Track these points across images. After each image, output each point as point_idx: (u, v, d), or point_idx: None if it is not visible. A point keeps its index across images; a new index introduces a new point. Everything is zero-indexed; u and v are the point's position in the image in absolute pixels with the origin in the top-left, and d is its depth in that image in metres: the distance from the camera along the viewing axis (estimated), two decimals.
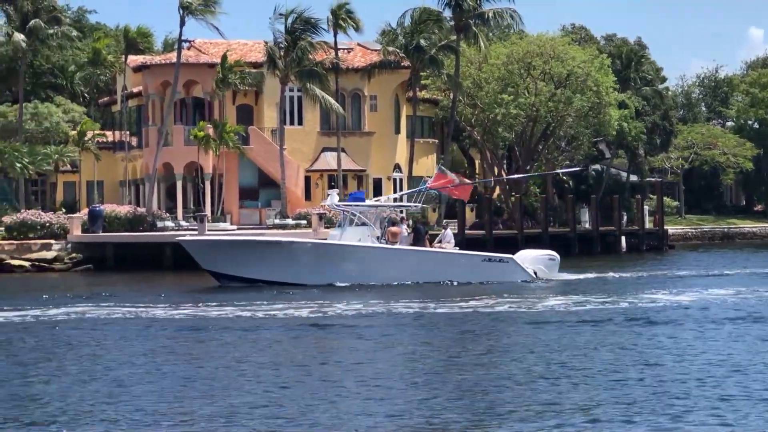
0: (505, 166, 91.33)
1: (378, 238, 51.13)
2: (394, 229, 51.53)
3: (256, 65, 77.39)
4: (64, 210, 75.33)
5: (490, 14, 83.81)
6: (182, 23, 73.98)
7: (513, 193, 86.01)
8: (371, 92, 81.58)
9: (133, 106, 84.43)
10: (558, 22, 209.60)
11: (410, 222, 56.06)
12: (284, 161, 74.30)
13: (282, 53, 74.56)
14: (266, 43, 75.56)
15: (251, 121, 79.33)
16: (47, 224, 67.78)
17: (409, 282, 49.49)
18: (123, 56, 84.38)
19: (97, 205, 72.20)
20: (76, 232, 67.31)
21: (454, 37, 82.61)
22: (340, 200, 53.84)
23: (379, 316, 37.07)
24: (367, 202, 54.23)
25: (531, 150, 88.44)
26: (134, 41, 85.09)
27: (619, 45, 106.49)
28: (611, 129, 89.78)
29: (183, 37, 76.47)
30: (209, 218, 70.90)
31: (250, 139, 77.83)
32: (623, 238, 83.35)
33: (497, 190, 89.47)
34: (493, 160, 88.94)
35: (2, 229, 68.16)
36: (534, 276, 51.48)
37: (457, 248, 53.90)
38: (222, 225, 71.55)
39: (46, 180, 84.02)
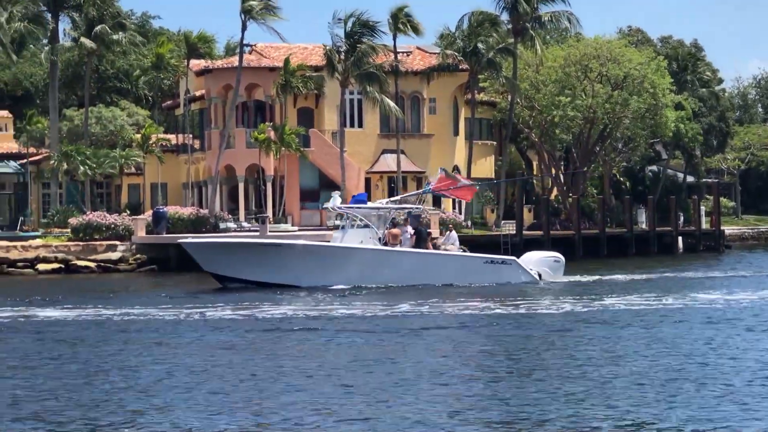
0: (562, 167, 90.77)
1: (380, 239, 50.58)
2: (394, 230, 50.94)
3: (316, 69, 77.35)
4: (128, 212, 75.72)
5: (547, 17, 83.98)
6: (244, 27, 74.27)
7: (570, 194, 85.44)
8: (430, 95, 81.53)
9: (195, 109, 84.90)
10: (614, 25, 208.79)
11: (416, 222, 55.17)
12: (344, 163, 74.23)
13: (342, 57, 74.46)
14: (326, 46, 75.44)
15: (312, 124, 79.42)
16: (112, 226, 68.25)
17: (408, 284, 48.43)
18: (186, 60, 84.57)
19: (161, 206, 72.56)
20: (141, 234, 67.58)
21: (511, 40, 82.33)
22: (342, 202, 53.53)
23: (440, 316, 36.55)
24: (369, 204, 53.47)
25: (588, 151, 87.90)
26: (195, 46, 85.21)
27: (676, 47, 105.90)
28: (668, 130, 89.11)
29: (245, 41, 76.79)
30: (271, 219, 71.19)
31: (311, 141, 77.87)
32: (680, 239, 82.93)
33: (555, 192, 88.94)
34: (550, 162, 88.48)
35: (69, 230, 68.73)
36: (538, 278, 50.82)
37: (464, 249, 52.92)
38: (283, 226, 71.78)
39: (111, 182, 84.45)
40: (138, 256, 66.17)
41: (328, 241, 52.81)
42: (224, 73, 78.80)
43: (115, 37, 79.73)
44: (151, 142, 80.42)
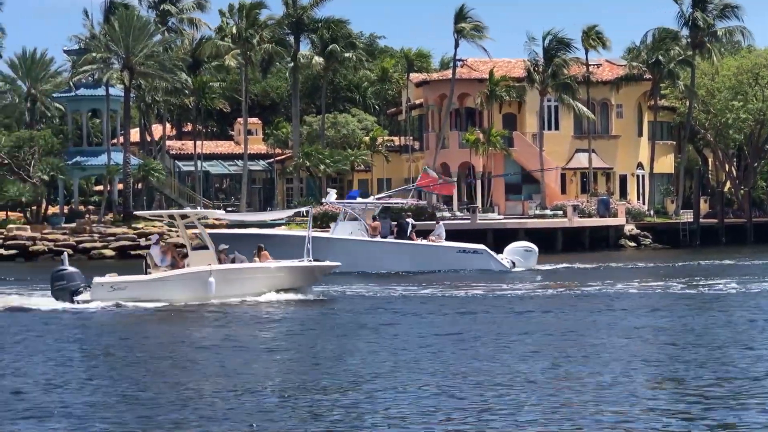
0: (735, 164, 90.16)
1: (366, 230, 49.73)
2: (374, 223, 50.09)
3: (518, 80, 78.35)
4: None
5: (722, 32, 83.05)
6: (456, 45, 76.34)
7: (742, 187, 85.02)
8: (617, 101, 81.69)
9: (415, 115, 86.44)
10: None
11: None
12: (543, 161, 75.37)
13: (540, 69, 75.84)
14: (526, 61, 76.90)
15: (515, 127, 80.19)
16: None
17: (384, 271, 47.40)
18: (407, 74, 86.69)
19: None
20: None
21: (690, 53, 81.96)
22: (336, 198, 53.44)
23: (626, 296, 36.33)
24: (359, 199, 52.49)
25: (758, 149, 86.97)
26: (415, 62, 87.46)
27: None
28: None
29: (457, 57, 78.46)
30: (480, 210, 72.58)
31: (514, 142, 78.78)
32: None
33: (728, 184, 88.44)
34: (724, 159, 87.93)
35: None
36: (511, 266, 48.73)
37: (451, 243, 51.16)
38: (491, 215, 72.94)
39: (343, 178, 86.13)
40: None
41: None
42: (440, 85, 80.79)
43: (346, 55, 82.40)
44: (377, 143, 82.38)
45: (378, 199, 54.80)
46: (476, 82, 78.66)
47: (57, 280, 33.91)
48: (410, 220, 52.19)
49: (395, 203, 55.70)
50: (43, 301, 33.93)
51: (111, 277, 34.04)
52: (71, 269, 34.14)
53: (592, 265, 52.67)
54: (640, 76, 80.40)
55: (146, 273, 34.67)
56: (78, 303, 33.09)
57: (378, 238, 49.70)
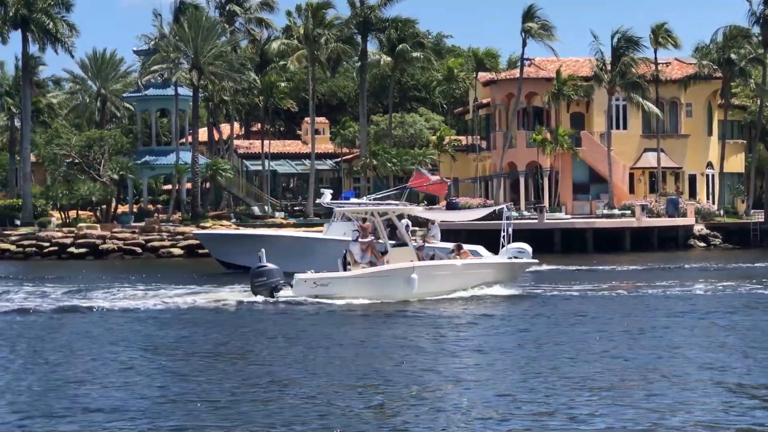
0: None
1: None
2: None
3: (586, 79, 78.10)
4: (425, 202, 77.57)
5: None
6: (524, 44, 76.06)
7: None
8: (687, 100, 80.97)
9: (482, 114, 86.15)
10: None
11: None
12: (611, 160, 74.91)
13: (608, 68, 75.44)
14: (593, 60, 76.52)
15: (582, 126, 79.83)
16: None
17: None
18: (474, 73, 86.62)
19: (454, 198, 74.47)
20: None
21: (761, 51, 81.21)
22: (332, 199, 52.56)
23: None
24: (353, 200, 51.90)
25: None
26: (483, 61, 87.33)
27: None
28: None
29: (525, 56, 78.24)
30: (547, 209, 72.28)
31: (582, 141, 78.41)
32: None
33: None
34: None
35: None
36: None
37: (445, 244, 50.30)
38: (558, 215, 72.62)
39: (410, 177, 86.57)
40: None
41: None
42: (507, 84, 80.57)
43: (414, 54, 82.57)
44: (444, 142, 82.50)
45: (375, 200, 54.62)
46: (544, 81, 78.47)
47: (257, 277, 34.29)
48: (406, 221, 52.09)
49: (389, 204, 55.44)
50: (245, 297, 34.36)
51: (313, 274, 34.40)
52: (270, 266, 34.50)
53: (660, 264, 52.32)
54: (710, 74, 79.58)
55: (345, 270, 34.93)
56: (279, 299, 33.52)
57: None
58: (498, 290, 35.80)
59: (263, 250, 35.61)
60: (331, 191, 55.65)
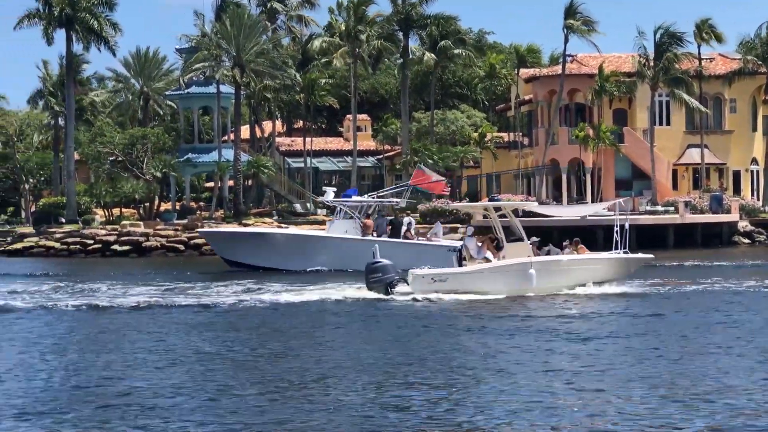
0: None
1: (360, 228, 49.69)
2: (367, 221, 50.02)
3: (628, 75, 77.82)
4: (468, 199, 77.52)
5: None
6: (566, 40, 75.96)
7: None
8: (731, 96, 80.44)
9: (524, 111, 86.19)
10: None
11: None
12: (654, 156, 74.62)
13: (651, 64, 75.08)
14: (635, 55, 76.21)
15: (625, 123, 79.66)
16: (454, 211, 69.68)
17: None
18: (516, 70, 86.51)
19: (496, 194, 74.23)
20: (478, 218, 69.58)
21: None
22: (335, 197, 53.15)
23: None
24: (354, 198, 52.48)
25: None
26: (524, 57, 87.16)
27: None
28: None
29: (567, 52, 78.02)
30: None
31: (624, 137, 78.27)
32: None
33: None
34: None
35: (417, 215, 71.42)
36: None
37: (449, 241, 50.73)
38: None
39: (453, 174, 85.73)
40: None
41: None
42: (549, 80, 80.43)
43: (456, 51, 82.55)
44: (486, 139, 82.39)
45: (378, 197, 54.67)
46: (586, 78, 78.31)
47: (372, 273, 34.46)
48: (409, 219, 52.31)
49: (390, 202, 55.53)
50: (361, 294, 34.52)
51: (430, 269, 34.54)
52: (385, 261, 34.69)
53: (703, 262, 51.91)
54: (755, 70, 79.04)
55: (461, 265, 35.04)
56: (395, 295, 33.71)
57: (369, 237, 49.78)
58: (614, 287, 35.69)
59: (377, 246, 35.74)
60: (335, 189, 56.11)
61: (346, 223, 50.56)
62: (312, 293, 35.27)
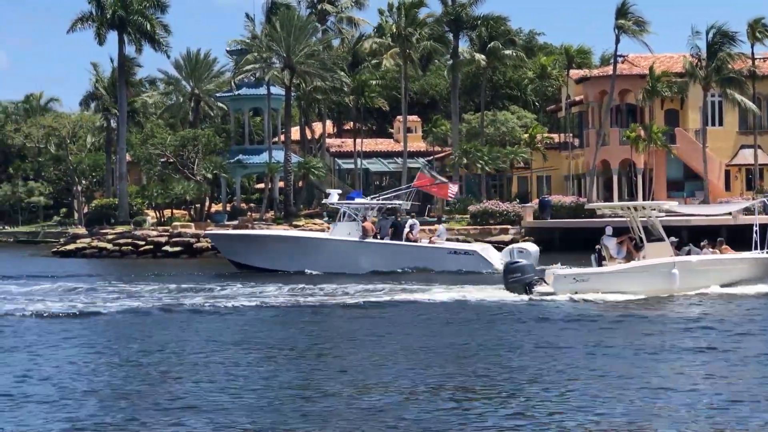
0: None
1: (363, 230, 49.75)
2: (366, 224, 50.02)
3: (680, 75, 77.12)
4: (518, 200, 77.27)
5: None
6: (617, 41, 75.14)
7: None
8: None
9: (575, 112, 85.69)
10: None
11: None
12: (706, 157, 74.04)
13: (703, 64, 74.48)
14: (687, 56, 75.60)
15: (677, 123, 78.99)
16: (504, 212, 69.72)
17: (376, 270, 47.40)
18: (566, 70, 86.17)
19: (546, 196, 74.09)
20: (528, 219, 69.12)
21: None
22: (339, 199, 52.91)
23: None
24: (357, 200, 52.49)
25: None
26: (575, 57, 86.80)
27: None
28: None
29: (618, 53, 77.54)
30: None
31: (676, 138, 77.63)
32: None
33: None
34: None
35: (468, 216, 71.40)
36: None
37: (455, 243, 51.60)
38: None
39: (503, 175, 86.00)
40: (527, 238, 65.66)
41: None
42: (600, 81, 79.88)
43: (506, 52, 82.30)
44: (536, 140, 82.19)
45: (384, 199, 54.60)
46: (637, 78, 77.76)
47: (511, 273, 34.61)
48: (413, 221, 52.33)
49: (394, 204, 55.52)
50: (501, 294, 34.51)
51: (572, 269, 34.74)
52: (524, 262, 35.03)
53: None
54: None
55: (600, 265, 35.13)
56: (534, 295, 33.85)
57: (370, 239, 49.96)
58: (760, 287, 35.32)
59: (513, 247, 35.85)
60: (339, 191, 56.15)
61: (349, 225, 50.77)
62: (449, 293, 35.29)
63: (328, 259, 49.34)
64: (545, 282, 34.35)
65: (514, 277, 34.28)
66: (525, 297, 33.64)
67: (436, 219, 74.42)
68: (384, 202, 53.52)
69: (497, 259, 48.33)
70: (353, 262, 48.46)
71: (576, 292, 33.55)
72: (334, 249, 49.84)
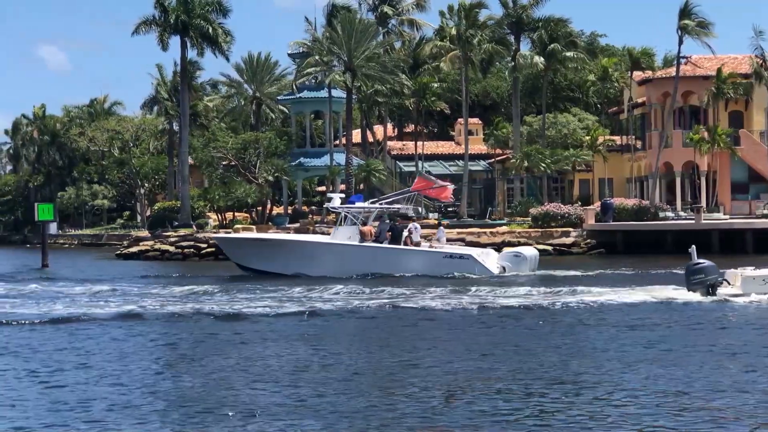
0: None
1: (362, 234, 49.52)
2: (364, 228, 49.72)
3: (745, 76, 76.61)
4: (580, 203, 76.83)
5: None
6: (680, 42, 74.61)
7: None
8: None
9: (637, 114, 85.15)
10: None
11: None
12: None
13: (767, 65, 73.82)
14: (753, 56, 74.95)
15: (741, 125, 78.28)
16: (566, 215, 69.12)
17: (373, 274, 46.81)
18: (629, 72, 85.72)
19: (608, 198, 73.64)
20: (590, 222, 68.56)
21: None
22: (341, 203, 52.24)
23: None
24: (358, 204, 52.00)
25: None
26: (638, 59, 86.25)
27: None
28: None
29: (681, 54, 76.98)
30: (704, 209, 70.97)
31: (741, 140, 76.90)
32: None
33: None
34: None
35: (529, 219, 70.99)
36: (501, 271, 47.56)
37: (456, 246, 51.11)
38: (715, 215, 71.07)
39: (564, 177, 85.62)
40: (588, 240, 66.56)
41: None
42: (663, 82, 79.39)
43: (567, 54, 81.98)
44: (598, 143, 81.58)
45: (388, 203, 54.30)
46: (701, 80, 77.25)
47: (694, 274, 34.25)
48: (414, 225, 51.78)
49: (396, 208, 55.26)
50: (687, 295, 34.03)
51: (761, 270, 34.21)
52: (707, 263, 34.49)
53: None
54: None
55: None
56: (717, 296, 33.53)
57: (368, 243, 49.67)
58: None
59: (693, 246, 35.41)
60: (341, 195, 56.11)
61: (349, 229, 50.54)
62: (635, 295, 34.91)
63: (326, 263, 49.32)
64: (728, 283, 33.91)
65: (697, 278, 33.82)
66: (707, 298, 33.18)
67: (497, 220, 74.45)
68: (384, 206, 53.47)
69: (494, 264, 48.40)
70: (354, 265, 48.28)
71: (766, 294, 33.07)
72: (331, 253, 49.87)
